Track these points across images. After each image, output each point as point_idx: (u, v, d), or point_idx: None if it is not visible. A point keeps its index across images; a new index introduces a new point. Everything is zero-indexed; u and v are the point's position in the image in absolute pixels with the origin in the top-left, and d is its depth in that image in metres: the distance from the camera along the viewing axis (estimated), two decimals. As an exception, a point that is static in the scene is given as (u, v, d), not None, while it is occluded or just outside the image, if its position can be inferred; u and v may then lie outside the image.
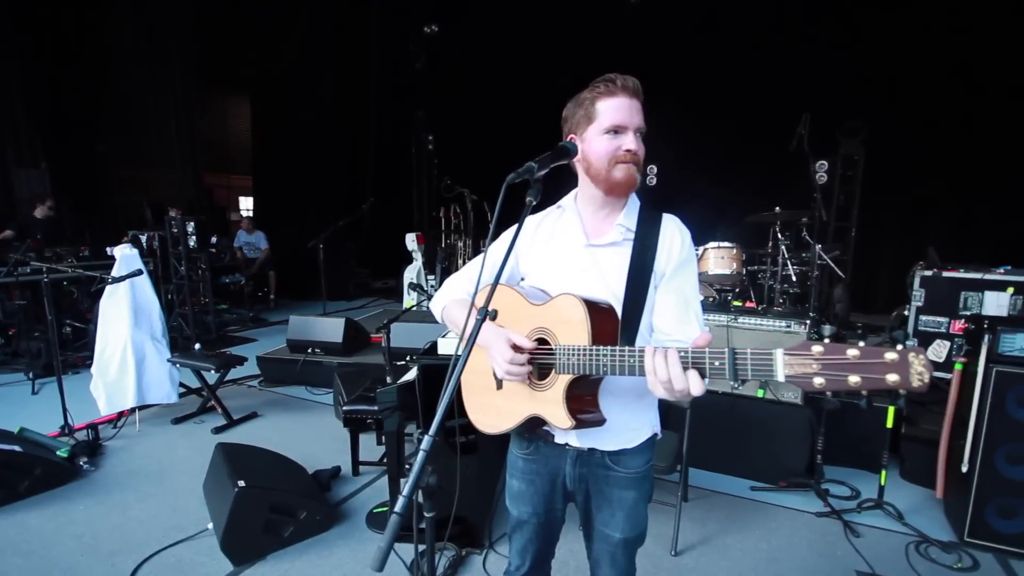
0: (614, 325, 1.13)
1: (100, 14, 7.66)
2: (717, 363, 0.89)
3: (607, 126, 1.16)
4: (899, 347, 0.74)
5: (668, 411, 2.68)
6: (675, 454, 2.48)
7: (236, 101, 11.30)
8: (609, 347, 1.04)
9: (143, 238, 6.14)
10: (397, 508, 0.79)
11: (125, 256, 3.65)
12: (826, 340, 0.81)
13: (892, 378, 0.73)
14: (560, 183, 1.34)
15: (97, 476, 3.07)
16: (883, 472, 2.71)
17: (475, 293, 1.11)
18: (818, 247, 4.23)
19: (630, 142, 1.16)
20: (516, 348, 1.13)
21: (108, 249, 5.26)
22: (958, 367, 2.61)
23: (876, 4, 5.89)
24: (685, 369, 0.93)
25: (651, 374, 0.95)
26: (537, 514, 1.36)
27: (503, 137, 7.60)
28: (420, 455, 0.84)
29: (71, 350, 5.18)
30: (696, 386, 0.91)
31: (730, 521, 2.66)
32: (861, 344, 0.77)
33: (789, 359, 0.81)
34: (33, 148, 7.06)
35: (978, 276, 3.58)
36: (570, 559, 2.23)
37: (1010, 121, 5.37)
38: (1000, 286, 3.50)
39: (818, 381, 0.78)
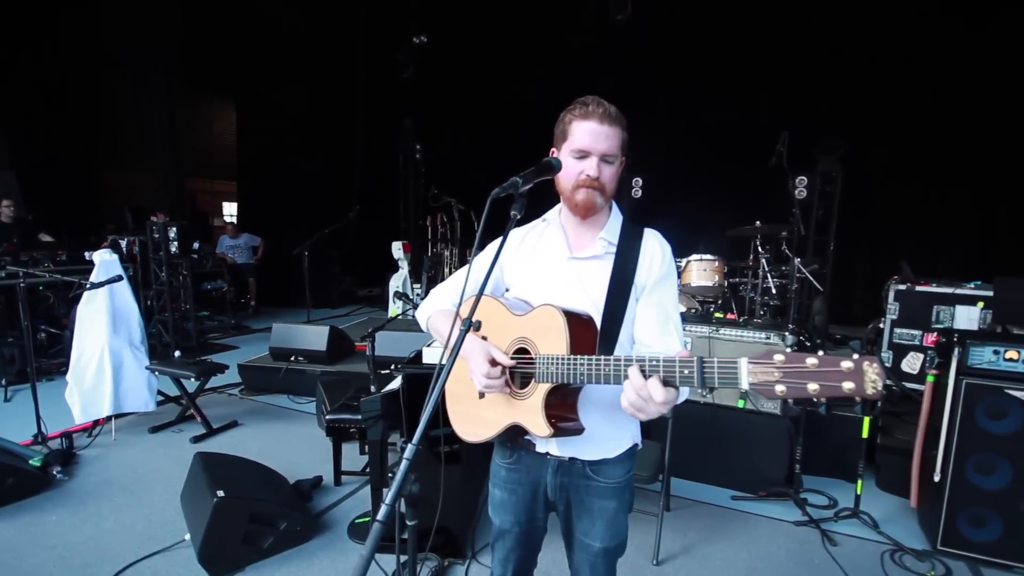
0: (593, 336, 1.16)
1: (83, 15, 7.57)
2: (687, 371, 0.92)
3: (574, 148, 1.20)
4: (855, 356, 0.77)
5: (651, 421, 2.72)
6: (657, 464, 2.50)
7: (221, 106, 11.21)
8: (587, 356, 1.06)
9: (123, 243, 6.04)
10: (379, 516, 0.79)
11: (104, 261, 3.60)
12: (788, 349, 0.83)
13: (848, 386, 0.77)
14: (549, 196, 1.36)
15: (71, 486, 3.00)
16: (859, 482, 2.76)
17: (459, 304, 1.13)
18: (797, 260, 4.33)
19: (591, 168, 1.18)
20: (494, 363, 1.16)
21: (87, 254, 5.17)
22: (930, 379, 2.68)
23: (852, 23, 6.08)
24: (646, 379, 0.96)
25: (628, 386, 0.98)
26: (519, 523, 1.37)
27: (490, 147, 7.67)
28: (403, 463, 0.85)
29: (46, 356, 5.06)
30: (658, 393, 0.93)
31: (711, 530, 2.69)
32: (820, 353, 0.80)
33: (753, 367, 0.84)
34: (2, 149, 6.91)
35: (949, 291, 3.69)
36: (552, 569, 2.23)
37: (982, 139, 5.56)
38: (970, 300, 3.61)
39: (779, 389, 0.81)
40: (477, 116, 8.57)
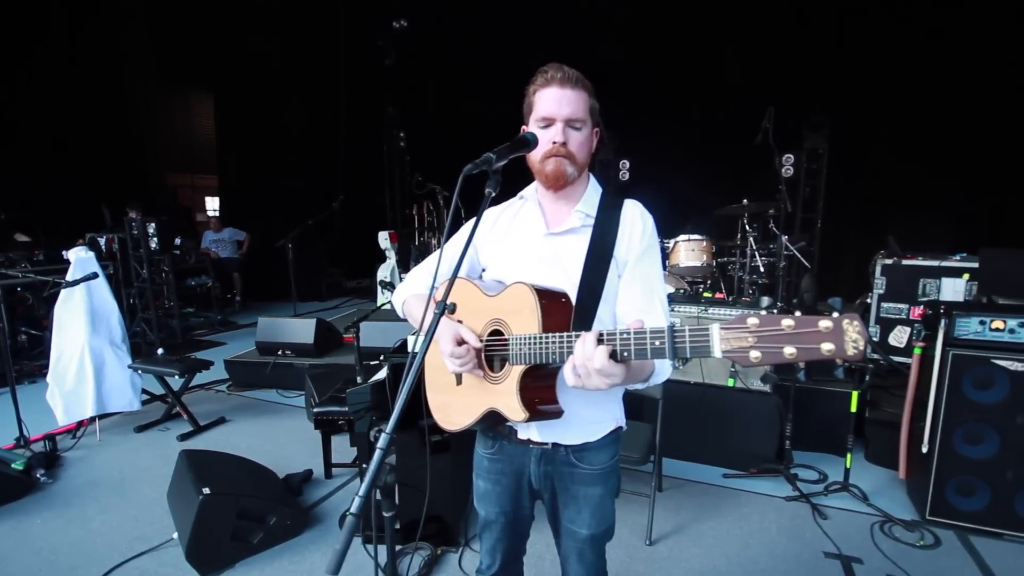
0: (567, 313, 1.11)
1: (54, 4, 7.31)
2: (657, 343, 0.86)
3: (539, 117, 1.17)
4: (834, 315, 0.71)
5: (641, 402, 2.72)
6: (648, 445, 2.49)
7: (198, 98, 10.95)
8: (557, 334, 1.01)
9: (102, 240, 5.91)
10: (353, 509, 0.77)
11: (80, 259, 3.51)
12: (762, 312, 0.76)
13: (827, 347, 0.70)
14: (528, 179, 1.32)
15: (55, 489, 2.95)
16: (848, 455, 2.78)
17: (432, 287, 1.08)
18: (784, 238, 4.32)
19: (557, 134, 1.15)
20: (461, 342, 1.12)
21: (63, 252, 5.05)
22: (917, 351, 2.69)
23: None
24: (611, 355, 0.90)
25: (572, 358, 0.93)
26: (504, 513, 1.34)
27: (476, 133, 7.54)
28: (376, 454, 0.82)
29: (28, 358, 4.97)
30: (599, 359, 0.88)
31: (703, 509, 2.70)
32: (797, 314, 0.74)
33: (725, 334, 0.78)
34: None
35: (935, 263, 3.70)
36: (546, 553, 2.23)
37: (967, 114, 5.56)
38: (956, 272, 3.63)
39: (754, 355, 0.75)
40: (461, 101, 8.44)
